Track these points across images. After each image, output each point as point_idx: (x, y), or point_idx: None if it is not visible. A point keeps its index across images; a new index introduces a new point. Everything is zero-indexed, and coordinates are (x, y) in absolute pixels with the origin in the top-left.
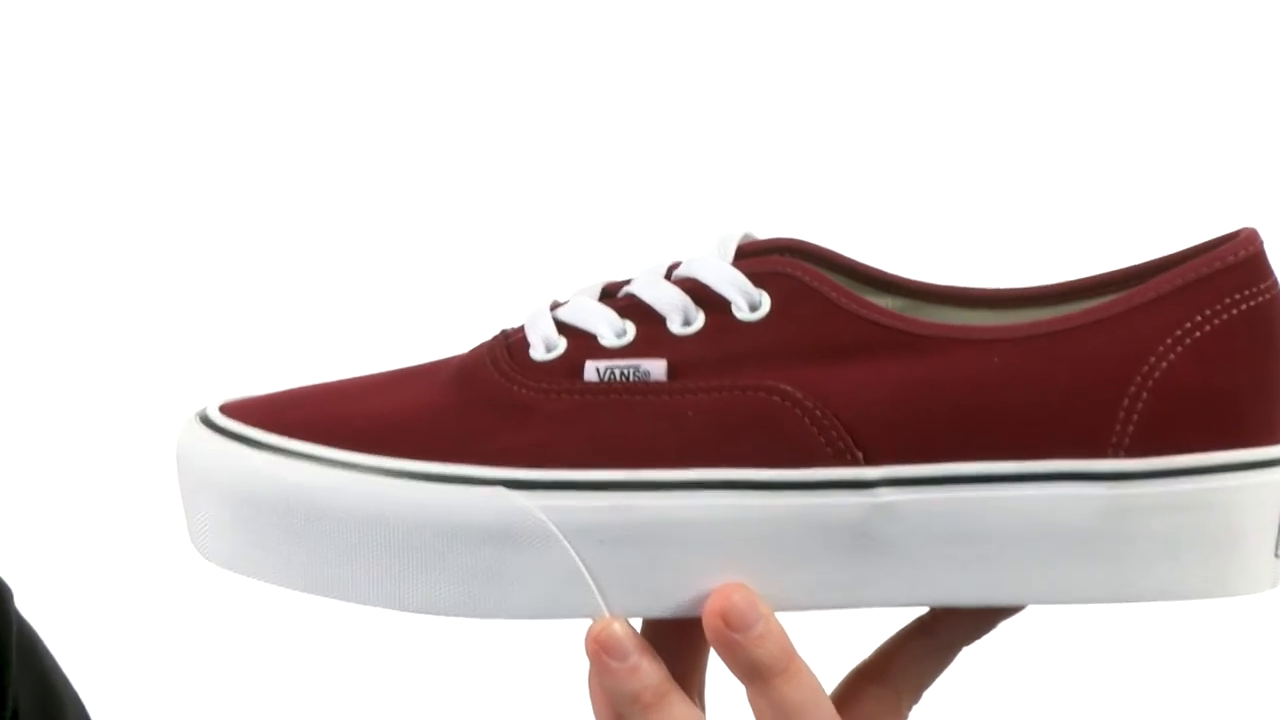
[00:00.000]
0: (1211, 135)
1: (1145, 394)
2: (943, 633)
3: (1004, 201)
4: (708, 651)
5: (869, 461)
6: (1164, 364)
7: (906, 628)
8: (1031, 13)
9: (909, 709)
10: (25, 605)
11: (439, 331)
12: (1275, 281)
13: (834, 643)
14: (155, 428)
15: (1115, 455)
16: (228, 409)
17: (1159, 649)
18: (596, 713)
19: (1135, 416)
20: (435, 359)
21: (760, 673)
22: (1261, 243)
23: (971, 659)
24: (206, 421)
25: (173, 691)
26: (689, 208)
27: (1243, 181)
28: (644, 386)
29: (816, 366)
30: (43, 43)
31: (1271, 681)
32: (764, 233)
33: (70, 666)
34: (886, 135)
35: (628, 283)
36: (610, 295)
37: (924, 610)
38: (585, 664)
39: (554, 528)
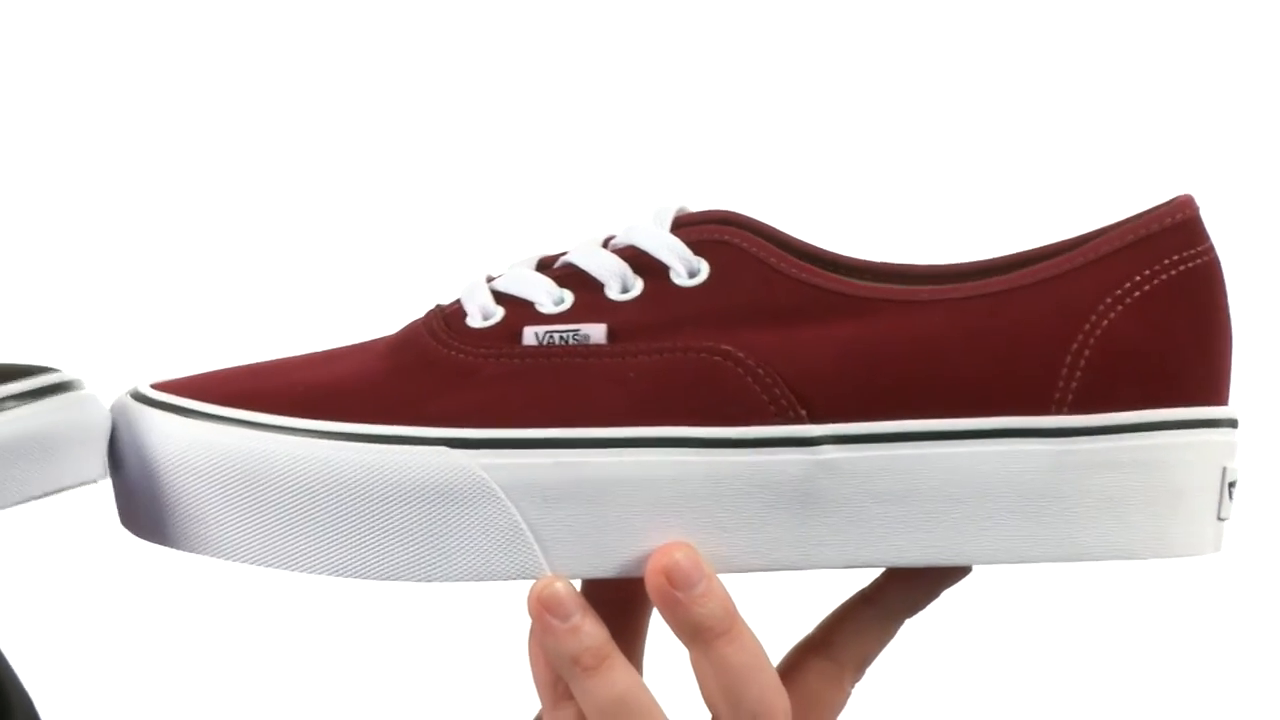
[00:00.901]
0: (1147, 124)
1: (1087, 351)
2: (885, 602)
3: (945, 188)
4: (648, 616)
5: (813, 419)
6: (1105, 322)
7: (850, 599)
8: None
9: (852, 684)
10: None
11: (362, 319)
12: (1211, 245)
13: (778, 618)
14: None
15: (1059, 412)
16: (160, 386)
17: (1107, 628)
18: (535, 676)
19: (1078, 374)
20: (361, 340)
21: (702, 633)
22: (1197, 208)
23: (913, 635)
24: (138, 397)
25: (122, 685)
26: (615, 196)
27: (1181, 175)
28: (584, 350)
29: (758, 329)
30: (38, 42)
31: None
32: (699, 207)
33: (21, 665)
34: (825, 121)
35: (562, 254)
36: (546, 267)
37: (867, 583)
38: (523, 628)
39: (496, 485)
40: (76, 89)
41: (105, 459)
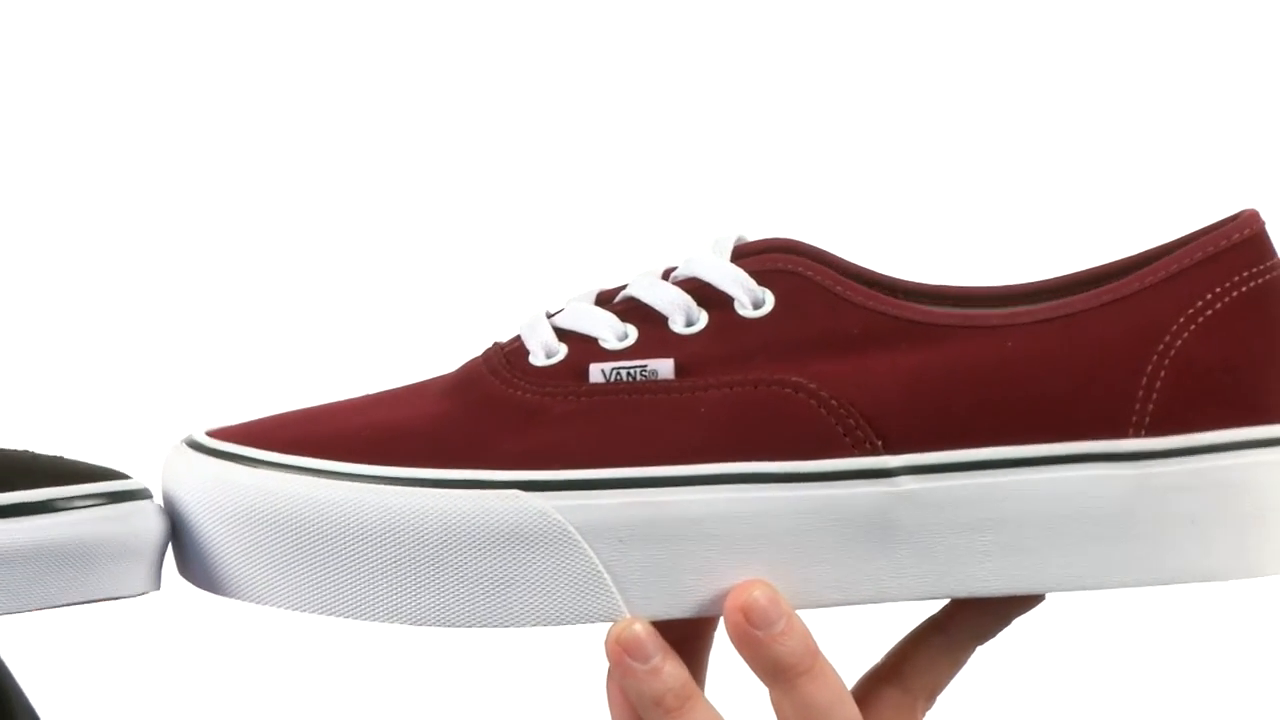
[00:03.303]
0: (1197, 133)
1: (1163, 372)
2: (956, 630)
3: (994, 206)
4: (708, 654)
5: (888, 450)
6: (1178, 342)
7: (919, 627)
8: (1019, 12)
9: (924, 713)
10: None
11: (409, 356)
12: (1279, 260)
13: (843, 645)
14: (124, 454)
15: (1137, 434)
16: (217, 434)
17: (1166, 649)
18: (614, 716)
19: (1154, 395)
20: (416, 381)
21: (783, 672)
22: (1263, 223)
23: (982, 664)
24: (195, 446)
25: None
26: (661, 220)
27: (1230, 181)
28: (652, 385)
29: (827, 359)
30: (40, 43)
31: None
32: (754, 236)
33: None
34: (870, 139)
35: (622, 288)
36: (606, 301)
37: (937, 609)
38: (592, 669)
39: (571, 528)
40: (107, 102)
41: (153, 574)
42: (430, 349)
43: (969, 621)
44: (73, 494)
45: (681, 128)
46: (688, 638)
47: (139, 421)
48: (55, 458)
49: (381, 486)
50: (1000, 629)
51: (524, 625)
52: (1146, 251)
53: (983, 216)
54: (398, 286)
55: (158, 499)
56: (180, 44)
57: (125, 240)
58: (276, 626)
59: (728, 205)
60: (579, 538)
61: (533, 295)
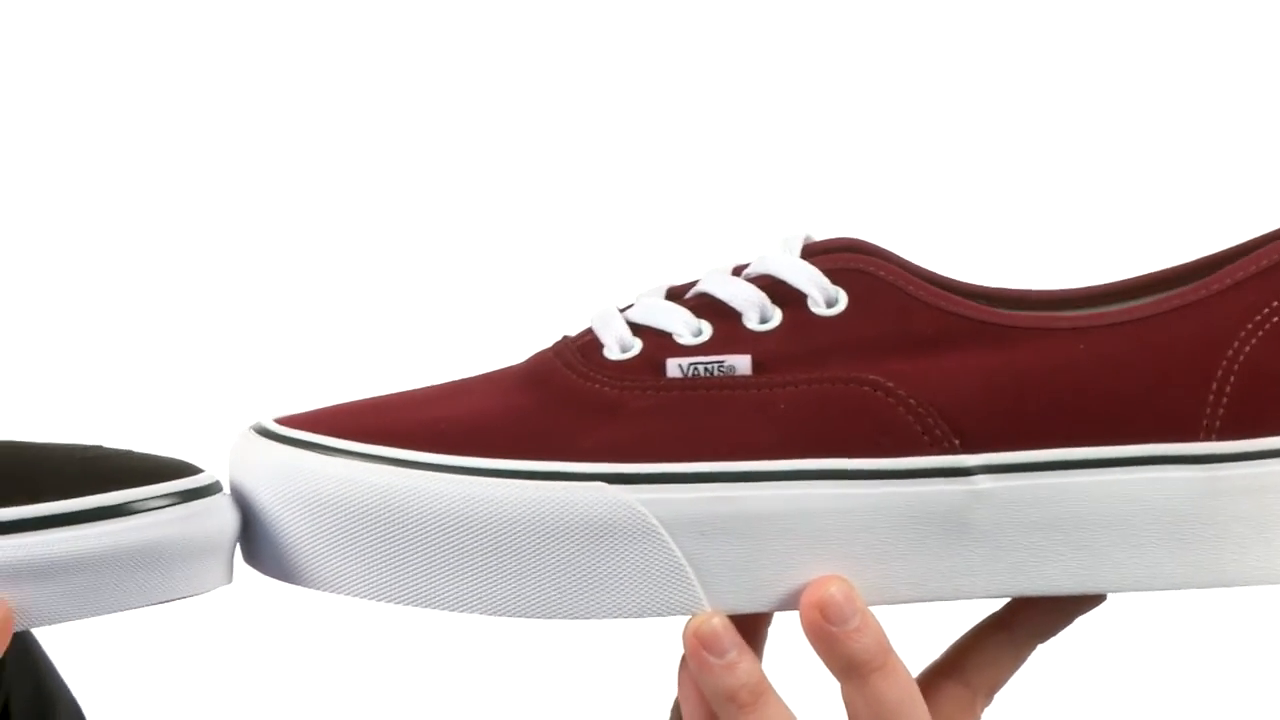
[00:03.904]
0: (1244, 136)
1: (1232, 378)
2: (1019, 628)
3: (1042, 211)
4: (762, 654)
5: (965, 449)
6: (1247, 348)
7: (982, 623)
8: (1067, 16)
9: (983, 709)
10: None
11: (453, 351)
12: None
13: (902, 640)
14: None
15: (1208, 438)
16: (285, 421)
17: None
18: (686, 711)
19: (1225, 399)
20: (479, 373)
21: (856, 668)
22: None
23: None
24: (265, 433)
25: (178, 705)
26: (706, 220)
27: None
28: (730, 381)
29: (903, 359)
30: (44, 44)
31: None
32: (818, 236)
33: (78, 674)
34: (917, 144)
35: (693, 284)
36: (677, 297)
37: (1000, 605)
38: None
39: (655, 520)
40: (127, 108)
41: (227, 569)
42: (472, 345)
43: (1032, 619)
44: (147, 495)
45: (707, 130)
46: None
47: (194, 410)
48: (124, 452)
49: (464, 477)
50: (1062, 627)
51: (605, 617)
52: (1208, 257)
53: (1019, 222)
54: (437, 284)
55: (226, 488)
56: (196, 40)
57: (178, 236)
58: (332, 614)
59: (756, 209)
60: (662, 530)
61: (560, 290)
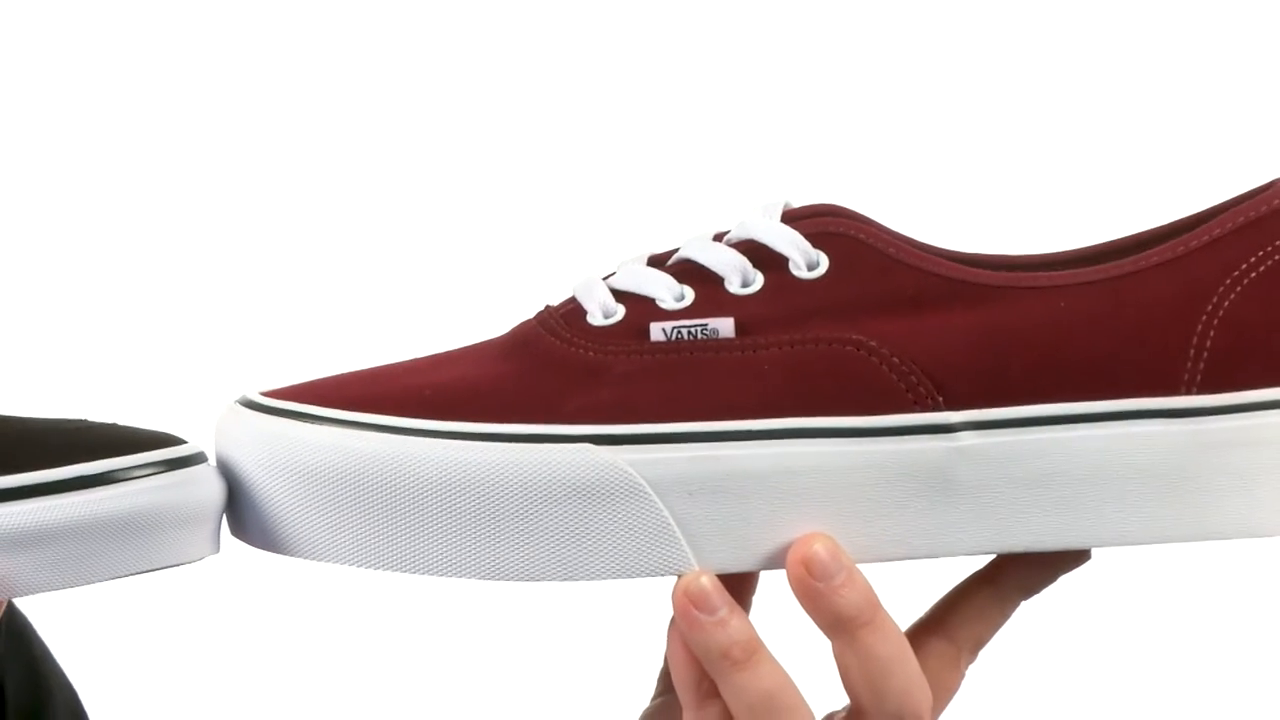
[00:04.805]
0: (1222, 105)
1: (1213, 331)
2: (1004, 583)
3: (1019, 183)
4: (748, 611)
5: (949, 406)
6: (1226, 302)
7: (967, 580)
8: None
9: (967, 665)
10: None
11: (438, 327)
12: None
13: (891, 597)
14: (171, 416)
15: (1189, 392)
16: (271, 394)
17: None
18: (677, 675)
19: (1205, 354)
20: (462, 345)
21: (843, 624)
22: None
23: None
24: (251, 405)
25: (175, 690)
26: (672, 204)
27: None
28: (714, 344)
29: (885, 319)
30: (43, 43)
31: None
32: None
33: (73, 660)
34: (895, 117)
35: (673, 252)
36: (659, 263)
37: (985, 562)
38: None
39: (643, 481)
40: (119, 100)
41: (214, 538)
42: (455, 320)
43: (1017, 575)
44: (131, 464)
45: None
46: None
47: (177, 385)
48: (109, 425)
49: (452, 441)
50: (1048, 584)
51: (594, 578)
52: (1186, 218)
53: (1006, 192)
54: (421, 260)
55: (212, 460)
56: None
57: (158, 213)
58: (320, 584)
59: (734, 186)
60: (649, 490)
61: (543, 264)
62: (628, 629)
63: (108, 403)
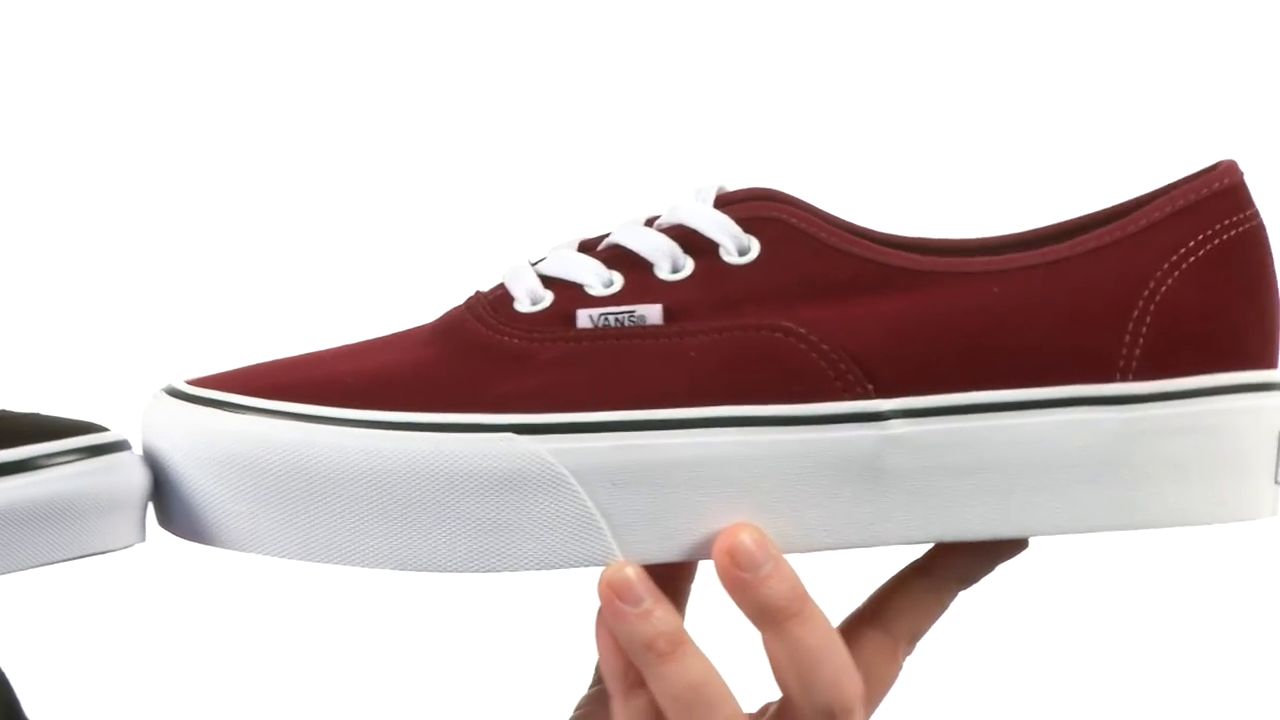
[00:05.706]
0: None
1: (1149, 317)
2: (940, 573)
3: (964, 168)
4: (685, 605)
5: (879, 394)
6: (1163, 288)
7: (903, 570)
8: None
9: (904, 656)
10: None
11: (382, 310)
12: (1256, 210)
13: (826, 589)
14: (97, 407)
15: (1124, 379)
16: (198, 382)
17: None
18: (604, 665)
19: (1141, 340)
20: (394, 331)
21: (771, 615)
22: (1241, 173)
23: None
24: (175, 394)
25: (114, 681)
26: (627, 175)
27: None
28: (641, 331)
29: (816, 305)
30: (41, 42)
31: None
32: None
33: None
34: (842, 101)
35: (605, 236)
36: (589, 249)
37: (921, 553)
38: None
39: (565, 470)
40: (88, 92)
41: (139, 526)
42: (401, 303)
43: (953, 565)
44: (52, 450)
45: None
46: (663, 587)
47: (109, 374)
48: (31, 414)
49: (372, 431)
50: (984, 573)
51: (517, 569)
52: (1127, 202)
53: (954, 176)
54: (366, 242)
55: (137, 450)
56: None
57: (93, 196)
58: (262, 575)
59: (691, 163)
60: (572, 480)
61: (498, 247)
62: (567, 619)
63: (32, 394)
